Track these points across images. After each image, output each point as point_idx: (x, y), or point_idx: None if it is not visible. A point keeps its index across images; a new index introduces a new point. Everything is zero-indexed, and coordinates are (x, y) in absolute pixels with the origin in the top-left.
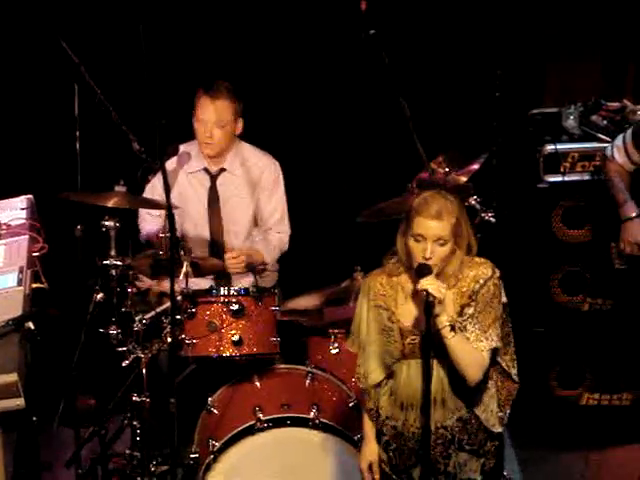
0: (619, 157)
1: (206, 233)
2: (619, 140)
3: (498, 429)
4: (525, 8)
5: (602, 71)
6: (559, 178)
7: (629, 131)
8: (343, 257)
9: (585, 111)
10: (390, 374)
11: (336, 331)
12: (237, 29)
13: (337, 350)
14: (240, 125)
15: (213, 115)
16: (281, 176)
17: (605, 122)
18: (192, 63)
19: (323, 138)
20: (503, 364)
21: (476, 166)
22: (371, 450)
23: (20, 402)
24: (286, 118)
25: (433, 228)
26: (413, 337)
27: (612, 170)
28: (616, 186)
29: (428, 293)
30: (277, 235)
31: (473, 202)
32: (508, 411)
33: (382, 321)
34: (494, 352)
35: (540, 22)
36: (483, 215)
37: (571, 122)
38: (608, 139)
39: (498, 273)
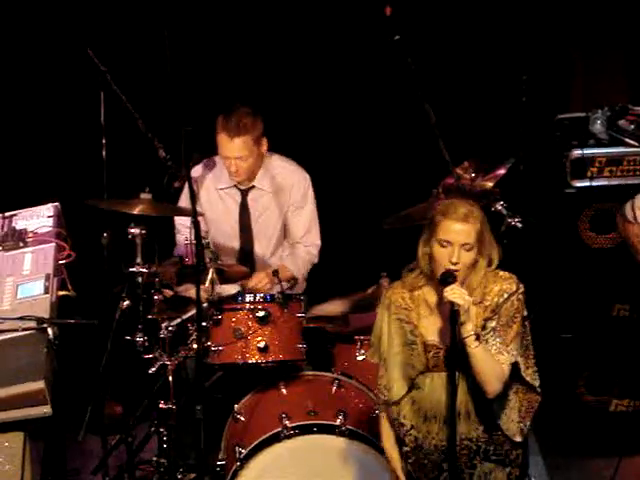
0: None
1: (236, 244)
2: None
3: (518, 439)
4: (551, 13)
5: (629, 75)
6: (586, 183)
7: None
8: (369, 263)
9: (612, 116)
10: (412, 385)
11: (362, 338)
12: (261, 35)
13: (363, 357)
14: (264, 144)
15: (234, 152)
16: (311, 190)
17: (632, 126)
18: (218, 70)
19: (349, 144)
20: (527, 378)
21: (502, 171)
22: (391, 457)
23: (47, 410)
24: (312, 124)
25: (460, 231)
26: (437, 350)
27: (634, 234)
28: None
29: (453, 302)
30: (305, 249)
31: (500, 207)
32: (528, 422)
33: (404, 335)
34: (516, 366)
35: (566, 27)
36: (510, 220)
37: (598, 127)
38: (636, 143)
39: (522, 289)
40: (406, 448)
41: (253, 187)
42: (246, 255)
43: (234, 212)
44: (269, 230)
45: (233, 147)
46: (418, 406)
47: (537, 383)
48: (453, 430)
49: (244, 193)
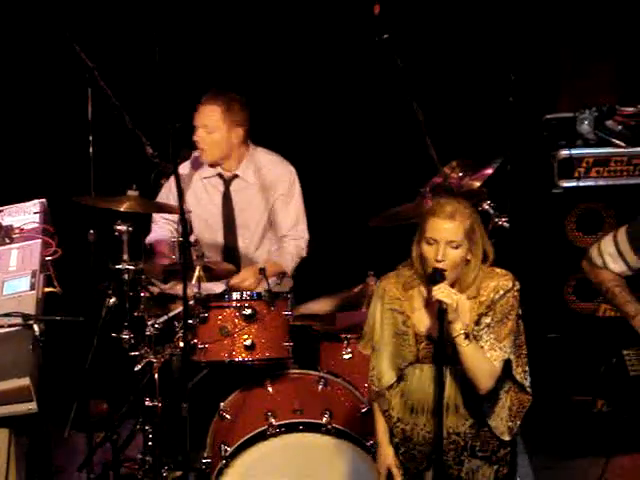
0: (615, 266)
1: (220, 238)
2: (609, 246)
3: (506, 438)
4: (538, 13)
5: (617, 75)
6: (573, 183)
7: (621, 235)
8: (356, 262)
9: (600, 116)
10: (401, 376)
11: (349, 336)
12: (251, 33)
13: (350, 355)
14: (239, 133)
15: (199, 119)
16: (297, 182)
17: (620, 127)
18: (206, 67)
19: (336, 142)
20: (518, 377)
21: (490, 171)
22: (387, 454)
23: (32, 406)
24: (299, 122)
25: (446, 229)
26: (428, 342)
27: (607, 279)
28: (618, 296)
29: (441, 301)
30: (293, 242)
31: (487, 207)
32: (518, 422)
33: (397, 325)
34: (508, 363)
35: (554, 27)
36: (497, 220)
37: (586, 127)
38: (623, 144)
39: (518, 286)
40: (395, 439)
41: (236, 177)
42: (230, 249)
43: (217, 202)
44: (252, 223)
45: (200, 114)
46: (406, 398)
47: (527, 383)
48: (440, 425)
49: (227, 183)
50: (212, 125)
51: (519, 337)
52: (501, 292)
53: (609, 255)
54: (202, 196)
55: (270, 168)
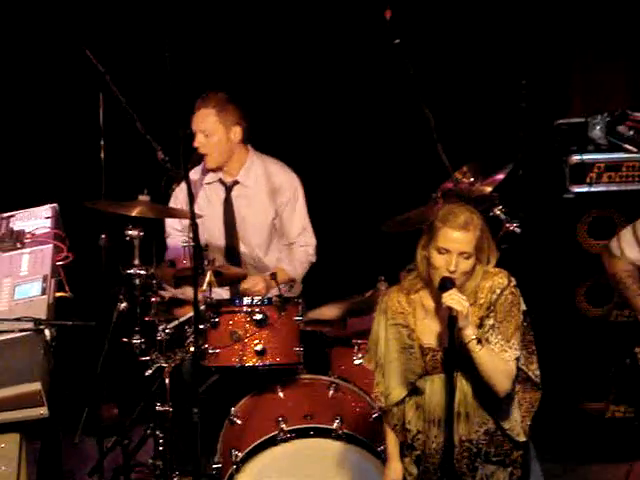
0: (632, 253)
1: (222, 244)
2: (627, 235)
3: (522, 438)
4: (551, 17)
5: (629, 80)
6: (585, 188)
7: (639, 223)
8: (367, 267)
9: (611, 121)
10: (414, 390)
11: (359, 341)
12: (261, 39)
13: (360, 360)
14: (238, 132)
15: (195, 124)
16: (300, 189)
17: (632, 132)
18: (217, 72)
19: (348, 147)
20: (530, 373)
21: (501, 176)
22: (395, 469)
23: (43, 411)
24: (311, 128)
25: (459, 240)
26: (434, 353)
27: (622, 269)
28: (630, 288)
29: (451, 308)
30: (302, 248)
31: (498, 212)
32: (529, 421)
33: (402, 339)
34: (518, 360)
35: (566, 31)
36: (508, 225)
37: (597, 132)
38: (634, 149)
39: (514, 281)
40: (417, 452)
41: (237, 183)
42: (232, 256)
43: (218, 208)
44: (255, 229)
45: (196, 118)
46: (422, 410)
47: (538, 380)
48: (450, 432)
49: (228, 189)
50: (209, 128)
51: (529, 333)
52: (498, 291)
53: (626, 242)
54: (204, 202)
55: (272, 176)
